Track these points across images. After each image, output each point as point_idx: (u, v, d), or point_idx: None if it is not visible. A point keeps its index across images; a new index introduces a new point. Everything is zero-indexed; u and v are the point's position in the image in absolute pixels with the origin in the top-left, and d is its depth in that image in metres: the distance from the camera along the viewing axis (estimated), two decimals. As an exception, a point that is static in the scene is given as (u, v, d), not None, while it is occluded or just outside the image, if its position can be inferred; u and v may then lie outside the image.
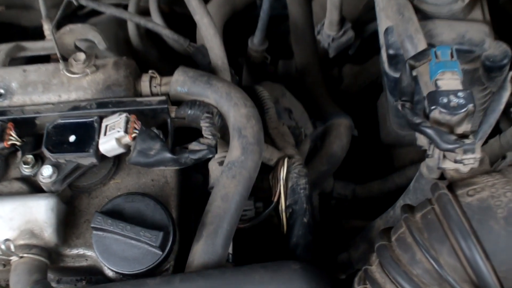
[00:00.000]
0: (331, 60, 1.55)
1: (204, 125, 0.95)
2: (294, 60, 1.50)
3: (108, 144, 0.89)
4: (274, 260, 0.88)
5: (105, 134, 0.92)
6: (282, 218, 1.03)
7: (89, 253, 0.89)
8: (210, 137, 0.93)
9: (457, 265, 0.68)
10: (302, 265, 0.84)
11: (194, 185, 1.05)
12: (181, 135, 1.00)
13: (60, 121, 0.93)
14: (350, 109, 1.41)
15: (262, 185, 1.07)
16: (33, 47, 1.10)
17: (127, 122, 0.92)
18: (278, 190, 1.02)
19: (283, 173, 1.03)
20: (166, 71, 1.02)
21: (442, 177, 0.82)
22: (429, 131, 0.73)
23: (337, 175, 1.39)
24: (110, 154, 0.91)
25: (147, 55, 1.51)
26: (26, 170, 0.92)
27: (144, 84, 0.99)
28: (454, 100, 0.73)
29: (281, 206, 1.03)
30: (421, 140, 0.83)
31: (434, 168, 0.82)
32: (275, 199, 1.03)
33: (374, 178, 1.42)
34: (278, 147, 1.09)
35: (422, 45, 0.88)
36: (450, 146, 0.71)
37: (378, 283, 0.76)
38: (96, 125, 0.92)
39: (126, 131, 0.89)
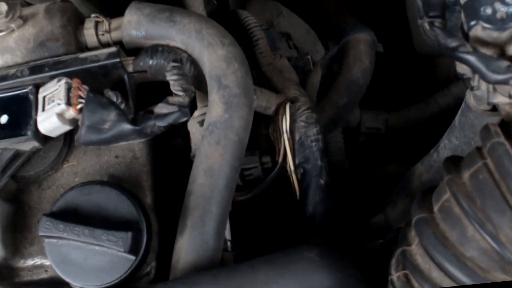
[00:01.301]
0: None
1: (171, 78, 0.87)
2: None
3: (49, 122, 0.83)
4: (286, 240, 0.86)
5: (43, 109, 0.84)
6: (292, 182, 0.96)
7: (48, 262, 0.83)
8: (180, 93, 0.86)
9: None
10: (319, 251, 0.77)
11: (174, 154, 0.99)
12: (152, 92, 0.93)
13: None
14: (370, 19, 1.32)
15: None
16: None
17: (68, 89, 0.83)
18: (282, 147, 0.95)
19: (285, 123, 0.95)
20: (116, 11, 0.93)
21: (496, 108, 0.73)
22: (470, 58, 0.63)
23: (364, 104, 1.31)
24: (54, 133, 0.86)
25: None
26: None
27: (88, 32, 0.91)
28: (502, 9, 0.62)
29: (289, 166, 0.96)
30: (462, 68, 0.72)
31: (484, 99, 0.71)
32: (280, 159, 0.96)
33: (410, 104, 1.33)
34: (277, 88, 1.01)
35: None
36: (501, 77, 0.61)
37: (420, 270, 0.68)
38: (31, 97, 0.85)
39: (68, 102, 0.82)
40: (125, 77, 0.88)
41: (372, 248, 1.03)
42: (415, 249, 0.70)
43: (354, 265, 0.78)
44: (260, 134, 1.02)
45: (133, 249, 0.77)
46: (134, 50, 0.91)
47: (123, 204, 0.80)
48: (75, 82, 0.83)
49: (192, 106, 0.89)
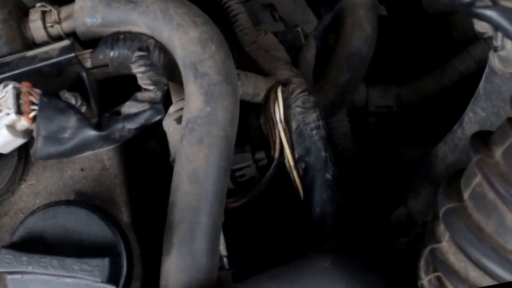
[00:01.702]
0: None
1: (138, 70, 0.87)
2: None
3: (-2, 137, 0.82)
4: (292, 249, 0.88)
5: (-10, 121, 0.83)
6: (293, 180, 0.97)
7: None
8: (151, 87, 0.86)
9: None
10: (333, 259, 0.78)
11: (150, 160, 1.00)
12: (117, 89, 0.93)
13: None
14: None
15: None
16: None
17: (17, 95, 0.83)
18: (277, 139, 0.95)
19: (279, 111, 0.95)
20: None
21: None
22: (490, 13, 0.63)
23: (370, 79, 1.31)
24: (5, 149, 0.86)
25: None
26: None
27: (35, 25, 0.91)
28: None
29: (288, 161, 0.97)
30: (481, 25, 0.72)
31: (511, 60, 0.72)
32: (277, 153, 0.96)
33: (424, 74, 1.32)
34: (265, 71, 1.01)
35: None
36: (529, 33, 0.60)
37: (455, 270, 0.67)
38: (-26, 109, 0.84)
39: (19, 111, 0.82)
40: (84, 74, 0.88)
41: (395, 249, 1.03)
42: (447, 246, 0.70)
43: (376, 272, 0.78)
44: (250, 126, 1.02)
45: (112, 278, 0.77)
46: (91, 42, 0.91)
47: (96, 225, 0.80)
48: (25, 86, 0.83)
49: (166, 101, 0.89)
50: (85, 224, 0.80)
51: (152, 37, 0.88)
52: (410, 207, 1.02)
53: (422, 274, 0.74)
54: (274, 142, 0.95)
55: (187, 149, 0.83)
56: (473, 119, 0.85)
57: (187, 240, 0.81)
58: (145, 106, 0.84)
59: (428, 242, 0.73)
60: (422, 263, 0.75)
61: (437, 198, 0.72)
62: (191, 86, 0.84)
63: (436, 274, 0.71)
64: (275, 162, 0.95)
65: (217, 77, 0.84)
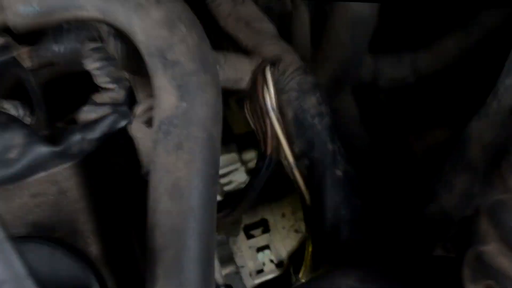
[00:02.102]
0: None
1: (92, 66, 0.87)
2: None
3: None
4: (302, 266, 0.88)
5: None
6: (296, 182, 0.97)
7: None
8: (111, 86, 0.86)
9: None
10: (359, 275, 0.78)
11: (118, 175, 0.99)
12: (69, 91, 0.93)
13: None
14: None
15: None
16: None
17: None
18: (269, 132, 0.96)
19: (269, 97, 0.96)
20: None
21: None
22: None
23: (377, 47, 1.30)
24: None
25: None
26: None
27: None
28: None
29: (286, 159, 0.97)
30: None
31: None
32: (269, 150, 0.96)
33: (444, 34, 1.32)
34: (247, 48, 1.01)
35: None
36: None
37: (510, 277, 0.68)
38: None
39: None
40: (25, 77, 0.88)
41: (430, 256, 1.03)
42: (495, 248, 0.70)
43: (409, 286, 0.79)
44: (234, 120, 1.01)
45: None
46: (29, 36, 0.90)
47: (60, 263, 0.80)
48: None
49: (131, 101, 0.89)
50: (47, 265, 0.80)
51: (105, 23, 0.87)
52: (443, 202, 1.01)
53: (469, 284, 0.74)
54: (266, 136, 0.95)
55: (163, 158, 0.82)
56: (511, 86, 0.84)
57: (174, 270, 0.80)
58: (107, 109, 0.84)
59: (471, 244, 0.74)
60: (466, 270, 0.74)
61: (476, 188, 0.72)
62: (161, 79, 0.83)
63: (487, 282, 0.71)
64: (267, 161, 0.95)
65: (191, 65, 0.83)
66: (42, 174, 0.85)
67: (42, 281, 0.74)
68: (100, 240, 0.89)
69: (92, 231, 0.89)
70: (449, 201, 1.00)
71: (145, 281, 0.82)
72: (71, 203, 0.90)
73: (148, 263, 0.82)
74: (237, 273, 1.34)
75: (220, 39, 1.01)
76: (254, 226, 1.39)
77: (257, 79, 0.95)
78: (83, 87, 0.88)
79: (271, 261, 1.34)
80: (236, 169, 0.98)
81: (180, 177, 0.82)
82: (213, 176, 0.84)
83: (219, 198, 0.95)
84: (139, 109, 0.92)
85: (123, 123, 0.85)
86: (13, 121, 0.82)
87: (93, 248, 0.87)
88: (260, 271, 1.35)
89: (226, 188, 1.15)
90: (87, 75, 0.88)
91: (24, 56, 0.88)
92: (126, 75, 0.87)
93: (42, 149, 0.81)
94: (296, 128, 0.96)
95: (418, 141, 1.26)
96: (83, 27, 0.88)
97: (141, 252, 0.86)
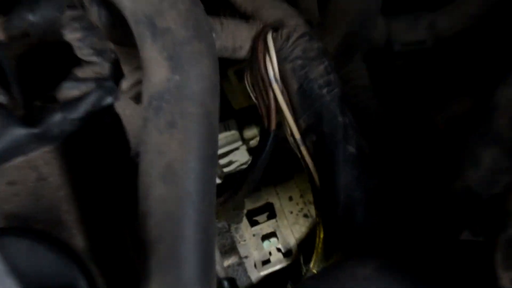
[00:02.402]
0: None
1: (73, 36, 0.86)
2: None
3: None
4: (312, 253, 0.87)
5: None
6: (303, 161, 0.97)
7: None
8: (94, 58, 0.86)
9: None
10: (375, 264, 0.79)
11: (104, 158, 0.98)
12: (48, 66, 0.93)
13: None
14: None
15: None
16: None
17: None
18: (273, 105, 0.96)
19: (271, 67, 0.95)
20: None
21: None
22: None
23: (390, 8, 1.29)
24: None
25: None
26: None
27: None
28: None
29: (292, 135, 0.97)
30: None
31: None
32: (273, 125, 0.96)
33: None
34: (246, 12, 1.01)
35: None
36: None
37: None
38: None
39: None
40: None
41: (455, 241, 1.03)
42: (532, 230, 0.70)
43: (432, 276, 0.79)
44: (233, 93, 1.00)
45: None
46: (1, 4, 0.89)
47: (42, 258, 0.80)
48: None
49: (117, 75, 0.88)
50: (28, 260, 0.80)
51: (83, -14, 0.87)
52: (469, 179, 1.00)
53: (502, 272, 0.74)
54: (269, 110, 0.95)
55: (155, 138, 0.82)
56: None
57: (171, 263, 0.80)
58: (90, 85, 0.83)
59: (503, 226, 0.74)
60: (499, 256, 0.75)
61: (505, 163, 0.73)
62: (150, 50, 0.83)
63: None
64: (272, 137, 0.95)
65: (183, 32, 0.83)
66: (19, 159, 0.85)
67: (23, 278, 0.74)
68: (86, 231, 0.90)
69: (77, 221, 0.89)
70: (475, 177, 1.00)
71: (138, 276, 0.82)
72: (52, 191, 0.90)
73: (141, 256, 0.81)
74: (241, 264, 1.33)
75: (215, 3, 1.00)
76: (258, 211, 1.38)
77: (258, 47, 0.95)
78: (63, 61, 0.88)
79: (278, 250, 1.34)
80: (236, 148, 0.98)
81: (174, 158, 0.82)
82: (211, 156, 0.84)
83: (218, 181, 0.95)
84: (126, 84, 0.92)
85: (109, 100, 0.84)
86: (-15, 102, 0.82)
87: (78, 240, 0.87)
88: (266, 262, 1.35)
89: (226, 169, 1.15)
90: (68, 46, 0.87)
91: (-5, 27, 0.88)
92: (110, 46, 0.87)
93: (19, 131, 0.81)
94: (302, 100, 0.96)
95: (439, 112, 1.26)
96: (58, -6, 0.87)
97: (133, 244, 0.86)
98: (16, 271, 0.78)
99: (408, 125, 1.25)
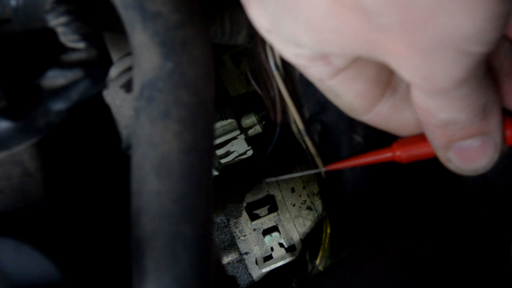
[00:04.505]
0: None
1: (57, 21, 0.85)
2: None
3: None
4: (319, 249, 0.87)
5: None
6: (307, 152, 0.96)
7: None
8: (80, 44, 0.84)
9: None
10: (387, 259, 0.79)
11: (93, 151, 0.99)
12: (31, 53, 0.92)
13: None
14: None
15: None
16: None
17: None
18: (277, 94, 0.94)
19: (272, 53, 0.94)
20: None
21: None
22: None
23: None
24: None
25: None
26: None
27: None
28: None
29: (295, 125, 0.96)
30: None
31: None
32: (279, 117, 0.95)
33: None
34: None
35: None
36: None
37: None
38: None
39: None
40: None
41: (471, 230, 1.02)
42: None
43: (447, 270, 0.79)
44: (229, 80, 0.99)
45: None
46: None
47: (28, 260, 0.80)
48: None
49: (105, 62, 0.88)
50: (13, 262, 0.80)
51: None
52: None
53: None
54: (270, 98, 0.94)
55: (147, 129, 0.81)
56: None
57: (166, 262, 0.80)
58: (77, 73, 0.82)
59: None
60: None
61: None
62: (140, 35, 0.82)
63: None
64: (278, 132, 0.96)
65: (176, 16, 0.82)
66: (2, 154, 0.85)
67: (8, 282, 0.77)
68: (75, 229, 0.89)
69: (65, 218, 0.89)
70: (491, 165, 1.00)
71: (131, 275, 0.82)
72: (38, 187, 0.90)
73: (135, 254, 0.81)
74: (241, 261, 1.33)
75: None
76: (259, 204, 1.37)
77: (257, 32, 0.93)
78: (47, 48, 0.88)
79: (281, 245, 1.34)
80: (234, 138, 0.97)
81: (168, 151, 0.81)
82: (207, 147, 0.83)
83: (215, 173, 0.93)
84: (115, 71, 0.91)
85: (97, 89, 0.84)
86: (-36, 92, 0.81)
87: (68, 238, 0.87)
88: (268, 258, 1.34)
89: (224, 160, 1.14)
90: (51, 32, 0.86)
91: (-26, 13, 0.87)
92: (98, 31, 0.86)
93: (1, 124, 0.81)
94: (305, 87, 0.95)
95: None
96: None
97: (126, 242, 0.86)
98: (1, 274, 0.79)
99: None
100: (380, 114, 0.75)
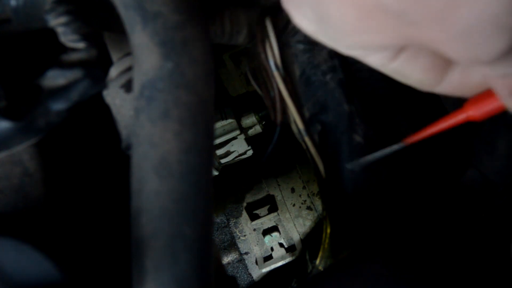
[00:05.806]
0: None
1: (57, 21, 0.85)
2: None
3: None
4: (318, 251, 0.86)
5: None
6: (308, 152, 0.96)
7: None
8: (80, 44, 0.84)
9: None
10: (387, 260, 0.79)
11: (93, 151, 0.98)
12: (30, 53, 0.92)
13: None
14: None
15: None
16: None
17: None
18: (277, 94, 0.94)
19: (272, 53, 0.94)
20: None
21: None
22: None
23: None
24: None
25: None
26: None
27: None
28: None
29: (295, 125, 0.96)
30: None
31: None
32: (279, 117, 0.95)
33: None
34: None
35: None
36: None
37: None
38: None
39: None
40: None
41: (472, 230, 1.02)
42: None
43: (447, 271, 0.78)
44: (229, 80, 1.00)
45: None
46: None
47: (28, 260, 0.80)
48: None
49: (105, 62, 0.88)
50: (13, 262, 0.80)
51: (70, -32, 0.85)
52: (484, 167, 1.01)
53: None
54: (270, 98, 0.94)
55: (148, 129, 0.82)
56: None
57: (166, 261, 0.80)
58: (77, 73, 0.82)
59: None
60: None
61: None
62: (140, 35, 0.82)
63: None
64: (278, 132, 0.95)
65: (176, 16, 0.82)
66: (2, 154, 0.84)
67: (8, 282, 0.77)
68: (75, 228, 0.89)
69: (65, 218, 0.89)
70: (491, 165, 1.00)
71: (131, 275, 0.82)
72: (38, 187, 0.89)
73: (135, 254, 0.81)
74: (241, 261, 1.33)
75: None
76: (259, 204, 1.37)
77: (257, 32, 0.94)
78: (47, 48, 0.88)
79: (281, 245, 1.34)
80: (234, 138, 0.96)
81: (168, 151, 0.81)
82: (208, 148, 0.84)
83: (215, 173, 0.94)
84: (115, 71, 0.91)
85: (97, 89, 0.83)
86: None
87: (67, 238, 0.86)
88: (267, 258, 1.34)
89: (224, 160, 1.14)
90: (51, 32, 0.86)
91: (-26, 13, 0.87)
92: (98, 31, 0.86)
93: (1, 124, 0.81)
94: (305, 87, 0.95)
95: (450, 97, 1.25)
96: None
97: (127, 242, 0.86)
98: (1, 274, 0.79)
99: (420, 109, 1.25)
100: (452, 82, 0.75)
